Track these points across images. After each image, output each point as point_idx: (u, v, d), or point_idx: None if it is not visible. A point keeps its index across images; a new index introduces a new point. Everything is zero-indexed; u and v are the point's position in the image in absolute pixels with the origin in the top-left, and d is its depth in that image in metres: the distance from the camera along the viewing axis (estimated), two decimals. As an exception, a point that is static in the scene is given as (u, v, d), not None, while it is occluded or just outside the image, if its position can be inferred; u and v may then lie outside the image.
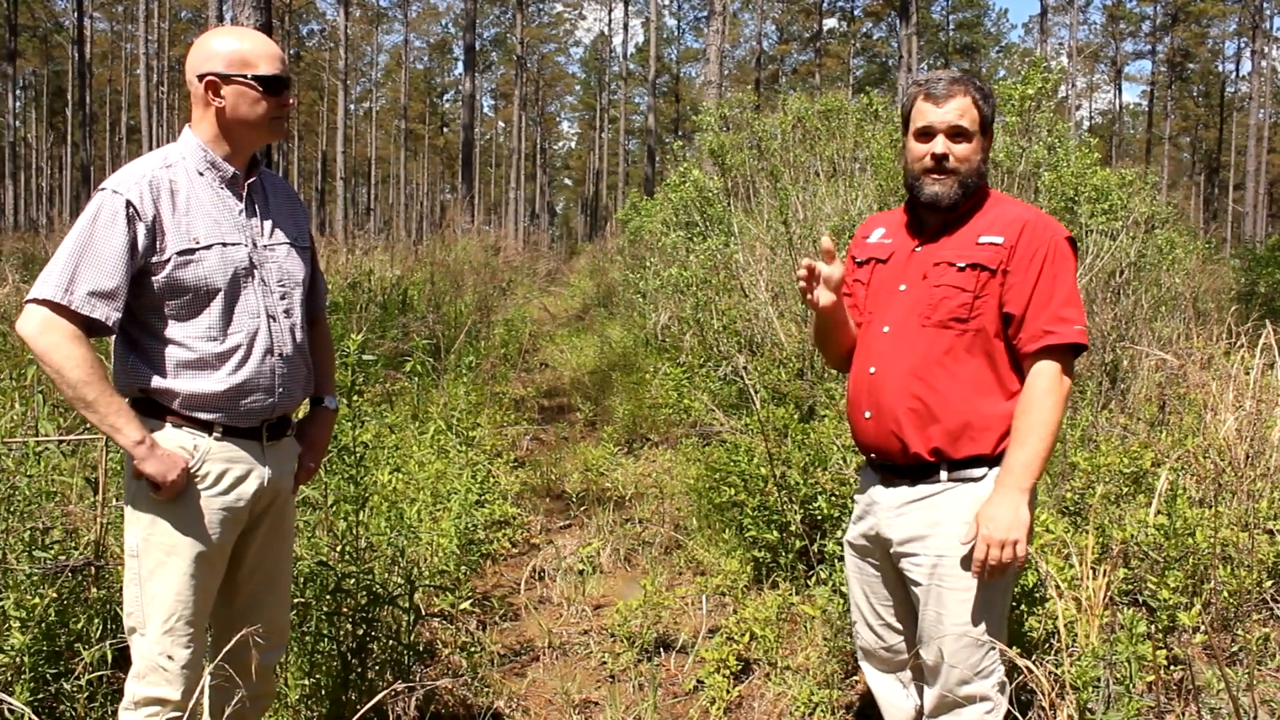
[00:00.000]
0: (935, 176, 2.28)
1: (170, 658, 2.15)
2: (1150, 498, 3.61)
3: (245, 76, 2.18)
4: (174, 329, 2.15)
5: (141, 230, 2.09)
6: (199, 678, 2.17)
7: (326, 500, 3.55)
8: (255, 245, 2.26)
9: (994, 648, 2.24)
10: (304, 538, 3.44)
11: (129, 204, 2.08)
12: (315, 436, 2.49)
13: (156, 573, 2.15)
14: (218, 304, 2.17)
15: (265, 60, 2.20)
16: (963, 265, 2.25)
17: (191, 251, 2.14)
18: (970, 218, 2.32)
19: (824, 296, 2.32)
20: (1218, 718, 2.82)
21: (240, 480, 2.22)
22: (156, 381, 2.14)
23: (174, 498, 2.14)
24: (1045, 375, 2.18)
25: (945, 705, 2.30)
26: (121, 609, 2.28)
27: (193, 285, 2.14)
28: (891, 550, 2.35)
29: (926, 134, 2.29)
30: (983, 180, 2.33)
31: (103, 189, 2.11)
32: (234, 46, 2.19)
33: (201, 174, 2.21)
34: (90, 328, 2.07)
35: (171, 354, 2.15)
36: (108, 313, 2.06)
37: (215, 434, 2.19)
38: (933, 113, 2.28)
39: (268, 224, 2.31)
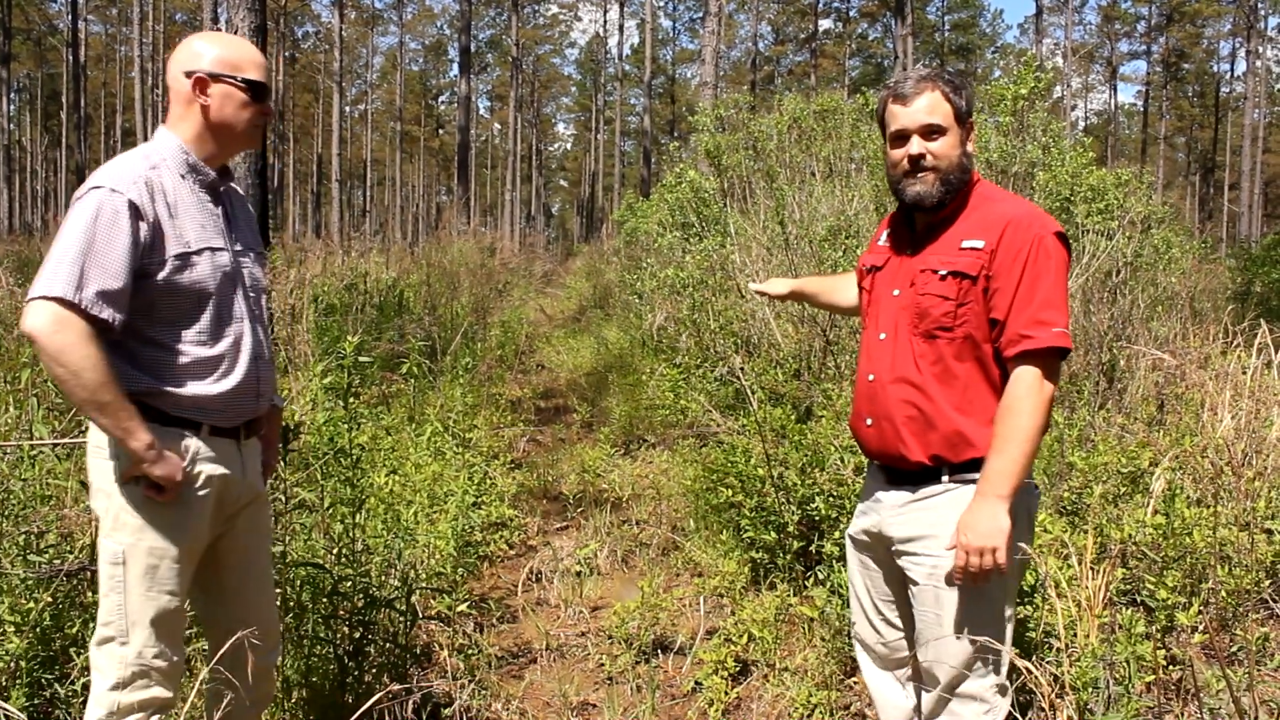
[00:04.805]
0: (916, 177, 2.25)
1: (161, 658, 2.15)
2: (1148, 497, 3.61)
3: (234, 78, 2.20)
4: (166, 333, 2.14)
5: (145, 231, 2.06)
6: (181, 675, 2.20)
7: (323, 503, 3.54)
8: (233, 251, 2.27)
9: (992, 649, 2.23)
10: (300, 540, 3.43)
11: (132, 204, 2.04)
12: (269, 435, 2.53)
13: (149, 575, 2.14)
14: (209, 309, 2.17)
15: (253, 66, 2.24)
16: (944, 273, 2.22)
17: (186, 256, 2.13)
18: (955, 219, 2.27)
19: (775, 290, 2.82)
20: (1217, 718, 2.81)
21: (225, 478, 2.24)
22: (146, 384, 2.12)
23: (172, 499, 2.13)
24: (1023, 381, 2.13)
25: (942, 705, 2.29)
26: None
27: (187, 289, 2.13)
28: (892, 548, 2.34)
29: (901, 137, 2.27)
30: (966, 174, 2.28)
31: (98, 187, 2.05)
32: (222, 49, 2.22)
33: (183, 177, 2.20)
34: (94, 328, 2.02)
35: (163, 358, 2.13)
36: (114, 314, 2.01)
37: (203, 434, 2.19)
38: (904, 114, 2.25)
39: (235, 232, 2.33)
